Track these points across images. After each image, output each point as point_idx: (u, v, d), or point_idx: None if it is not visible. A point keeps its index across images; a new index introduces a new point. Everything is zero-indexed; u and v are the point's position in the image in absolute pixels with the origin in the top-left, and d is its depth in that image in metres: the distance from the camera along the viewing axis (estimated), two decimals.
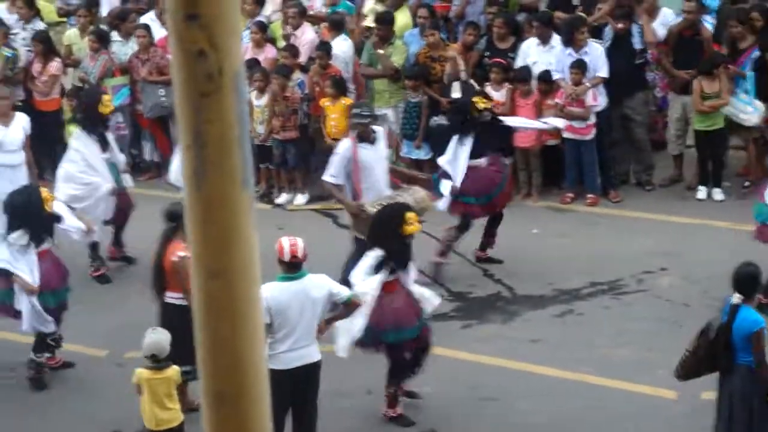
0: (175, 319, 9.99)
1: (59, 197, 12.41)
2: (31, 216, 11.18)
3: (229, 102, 2.31)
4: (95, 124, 13.09)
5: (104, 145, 13.09)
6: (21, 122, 13.55)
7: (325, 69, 15.20)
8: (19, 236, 11.19)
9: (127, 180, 13.53)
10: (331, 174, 12.25)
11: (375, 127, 12.50)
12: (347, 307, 9.96)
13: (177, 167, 12.62)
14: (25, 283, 11.11)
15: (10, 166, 13.37)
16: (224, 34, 2.29)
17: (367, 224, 11.09)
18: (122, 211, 13.33)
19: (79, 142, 13.10)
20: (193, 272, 2.37)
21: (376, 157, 12.32)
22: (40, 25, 16.03)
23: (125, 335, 11.70)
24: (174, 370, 10.01)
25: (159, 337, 9.94)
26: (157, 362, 9.92)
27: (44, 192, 11.50)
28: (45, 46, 15.35)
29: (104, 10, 16.80)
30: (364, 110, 12.55)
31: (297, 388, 9.65)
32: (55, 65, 15.41)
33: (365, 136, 12.22)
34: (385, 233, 10.45)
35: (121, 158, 13.59)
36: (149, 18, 16.17)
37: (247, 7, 15.88)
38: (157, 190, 14.77)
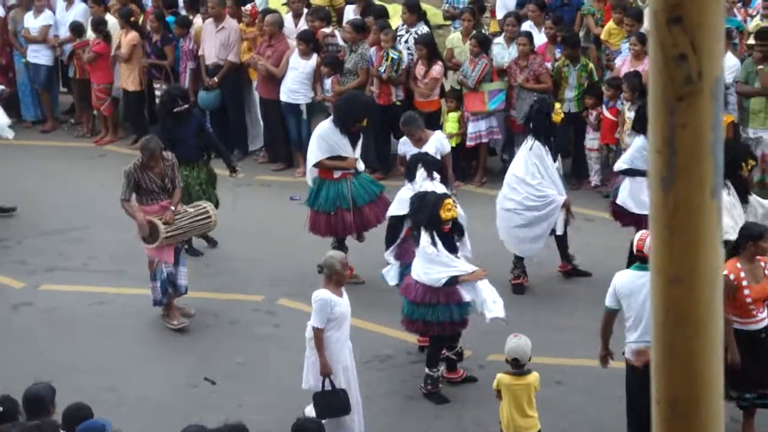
0: None
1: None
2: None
3: (705, 107, 2.27)
4: (547, 134, 12.77)
5: (555, 154, 12.89)
6: (434, 143, 12.95)
7: None
8: None
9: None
10: None
11: None
12: None
13: None
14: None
15: None
16: (708, 38, 2.25)
17: None
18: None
19: (532, 152, 12.78)
20: (653, 275, 2.34)
21: None
22: (424, 29, 16.33)
23: (488, 339, 11.77)
24: (534, 377, 10.00)
25: (521, 342, 9.96)
26: (518, 367, 9.94)
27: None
28: (429, 49, 15.62)
29: (500, 13, 16.93)
30: None
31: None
32: (437, 69, 15.66)
33: None
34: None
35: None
36: (529, 25, 16.23)
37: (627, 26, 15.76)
38: None
